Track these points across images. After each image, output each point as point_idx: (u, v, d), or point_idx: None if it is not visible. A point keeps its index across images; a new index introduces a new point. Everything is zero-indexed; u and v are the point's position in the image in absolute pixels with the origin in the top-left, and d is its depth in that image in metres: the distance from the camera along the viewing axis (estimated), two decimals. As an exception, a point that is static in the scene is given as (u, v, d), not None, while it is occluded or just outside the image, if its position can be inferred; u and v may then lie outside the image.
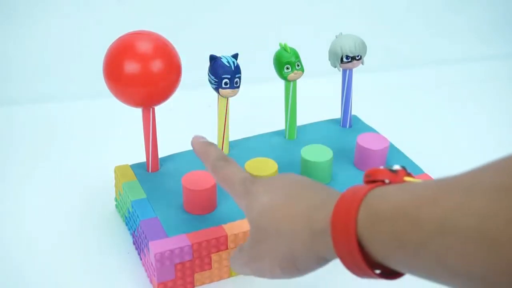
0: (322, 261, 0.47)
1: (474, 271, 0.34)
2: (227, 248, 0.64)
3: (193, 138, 0.61)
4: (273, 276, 0.50)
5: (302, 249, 0.46)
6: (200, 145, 0.60)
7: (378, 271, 0.43)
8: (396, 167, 0.45)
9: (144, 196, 0.69)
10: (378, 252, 0.41)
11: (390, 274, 0.43)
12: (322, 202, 0.46)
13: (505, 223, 0.33)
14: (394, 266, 0.40)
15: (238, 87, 0.72)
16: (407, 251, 0.38)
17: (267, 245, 0.49)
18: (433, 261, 0.37)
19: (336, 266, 0.70)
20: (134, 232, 0.69)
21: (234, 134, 0.79)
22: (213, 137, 0.78)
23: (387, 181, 0.44)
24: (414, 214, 0.38)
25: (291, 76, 0.76)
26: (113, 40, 0.67)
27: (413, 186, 0.40)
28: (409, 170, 0.45)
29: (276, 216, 0.48)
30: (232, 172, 0.55)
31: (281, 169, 0.72)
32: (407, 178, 0.44)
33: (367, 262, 0.42)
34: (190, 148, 0.78)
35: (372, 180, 0.44)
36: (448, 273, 0.36)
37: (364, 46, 0.78)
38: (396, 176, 0.44)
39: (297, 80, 0.77)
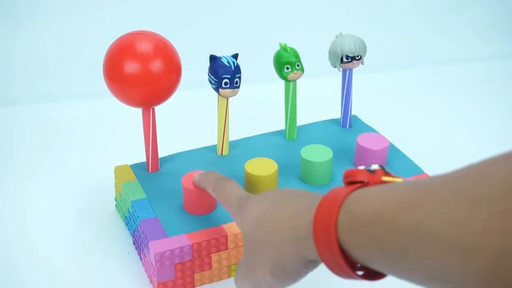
0: (310, 264, 0.48)
1: (451, 276, 0.35)
2: (227, 248, 0.64)
3: (193, 176, 0.66)
4: (268, 285, 0.51)
5: (289, 255, 0.48)
6: (200, 174, 0.65)
7: (361, 273, 0.43)
8: (374, 166, 0.45)
9: (144, 196, 0.69)
10: (359, 255, 0.41)
11: (374, 275, 0.43)
12: (305, 208, 0.47)
13: (478, 232, 0.33)
14: (377, 268, 0.41)
15: (238, 87, 0.72)
16: (387, 255, 0.39)
17: (258, 255, 0.51)
18: (413, 265, 0.37)
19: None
20: (134, 232, 0.70)
21: (234, 134, 0.79)
22: (213, 137, 0.78)
23: (366, 181, 0.44)
24: (392, 220, 0.38)
25: (291, 76, 0.76)
26: (113, 40, 0.67)
27: (392, 188, 0.41)
28: (387, 169, 0.45)
29: (263, 227, 0.50)
30: (230, 191, 0.58)
31: (281, 169, 0.72)
32: (385, 178, 0.44)
33: (349, 265, 0.42)
34: (190, 148, 0.78)
35: (351, 181, 0.45)
36: (428, 277, 0.36)
37: (364, 46, 0.78)
38: (374, 176, 0.44)
39: (297, 80, 0.77)
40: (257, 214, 0.51)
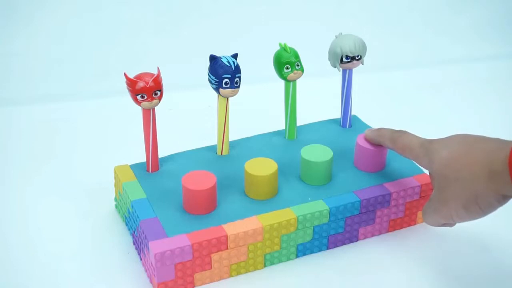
0: (502, 199, 0.55)
1: None
2: (227, 248, 0.64)
3: (365, 133, 0.72)
4: (459, 217, 0.58)
5: (483, 189, 0.54)
6: (372, 130, 0.72)
7: None
8: None
9: (144, 196, 0.69)
10: None
11: None
12: (498, 147, 0.53)
13: None
14: None
15: (238, 86, 0.72)
16: None
17: (450, 191, 0.57)
18: None
19: (337, 266, 0.70)
20: (134, 232, 0.70)
21: (234, 134, 0.79)
22: (213, 137, 0.78)
23: None
24: None
25: (291, 76, 0.76)
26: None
27: None
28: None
29: (456, 166, 0.57)
30: (410, 140, 0.65)
31: (281, 169, 0.72)
32: None
33: None
34: (190, 148, 0.78)
35: None
36: None
37: (364, 46, 0.78)
38: None
39: (297, 80, 0.77)
40: (447, 154, 0.58)
